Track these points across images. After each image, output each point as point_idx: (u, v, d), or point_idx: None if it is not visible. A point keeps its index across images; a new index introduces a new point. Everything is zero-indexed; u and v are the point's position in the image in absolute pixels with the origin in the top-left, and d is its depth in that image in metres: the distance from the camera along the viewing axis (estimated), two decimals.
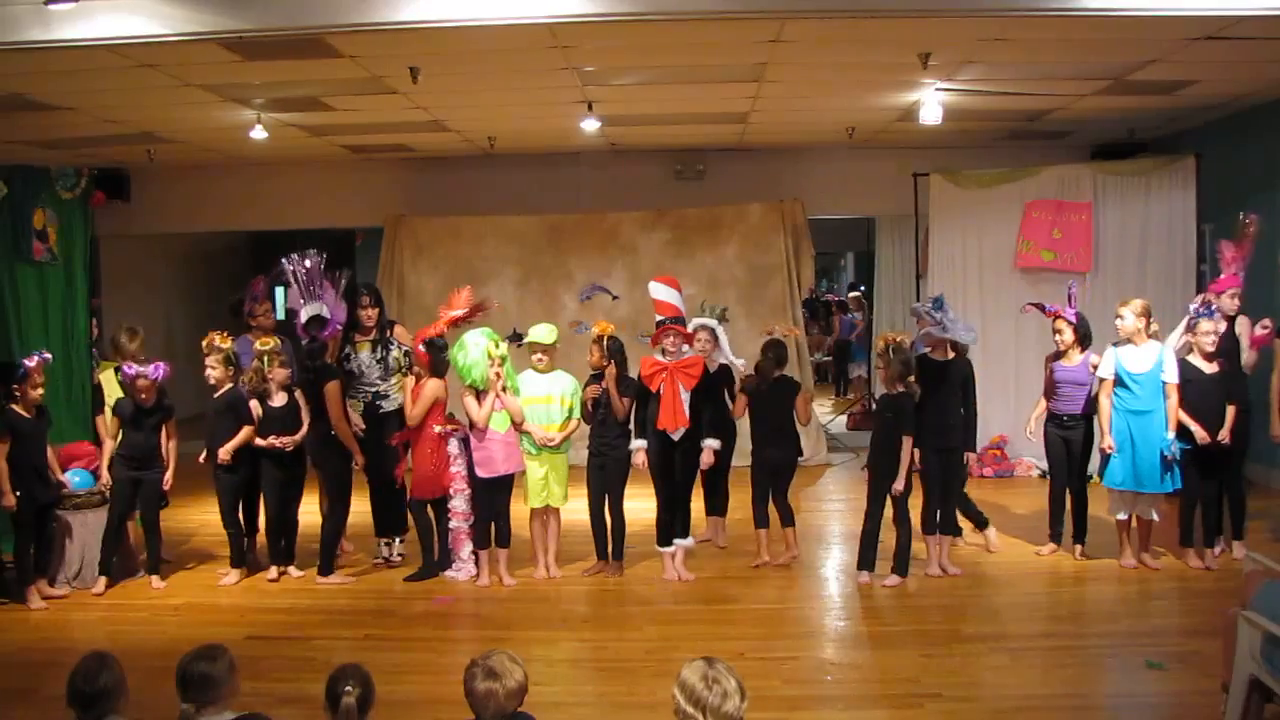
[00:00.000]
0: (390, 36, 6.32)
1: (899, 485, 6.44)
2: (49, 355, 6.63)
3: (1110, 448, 6.69)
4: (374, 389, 7.19)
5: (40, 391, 6.47)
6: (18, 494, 6.31)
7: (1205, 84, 8.28)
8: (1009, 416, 9.93)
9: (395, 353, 7.23)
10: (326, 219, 12.05)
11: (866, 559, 6.64)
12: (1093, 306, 9.82)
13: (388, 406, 7.23)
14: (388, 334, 7.30)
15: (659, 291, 6.81)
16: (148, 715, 4.10)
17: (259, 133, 8.99)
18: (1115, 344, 6.78)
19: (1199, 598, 6.22)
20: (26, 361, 6.42)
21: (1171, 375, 6.55)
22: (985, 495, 9.07)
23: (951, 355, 6.76)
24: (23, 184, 9.84)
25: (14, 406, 6.37)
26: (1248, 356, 7.01)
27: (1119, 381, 6.68)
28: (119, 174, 11.32)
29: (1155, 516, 6.78)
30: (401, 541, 7.28)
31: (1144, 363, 6.62)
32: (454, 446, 6.75)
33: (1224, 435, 6.62)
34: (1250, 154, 9.43)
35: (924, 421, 6.54)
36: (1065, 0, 5.96)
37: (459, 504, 6.81)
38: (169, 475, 6.91)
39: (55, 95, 7.73)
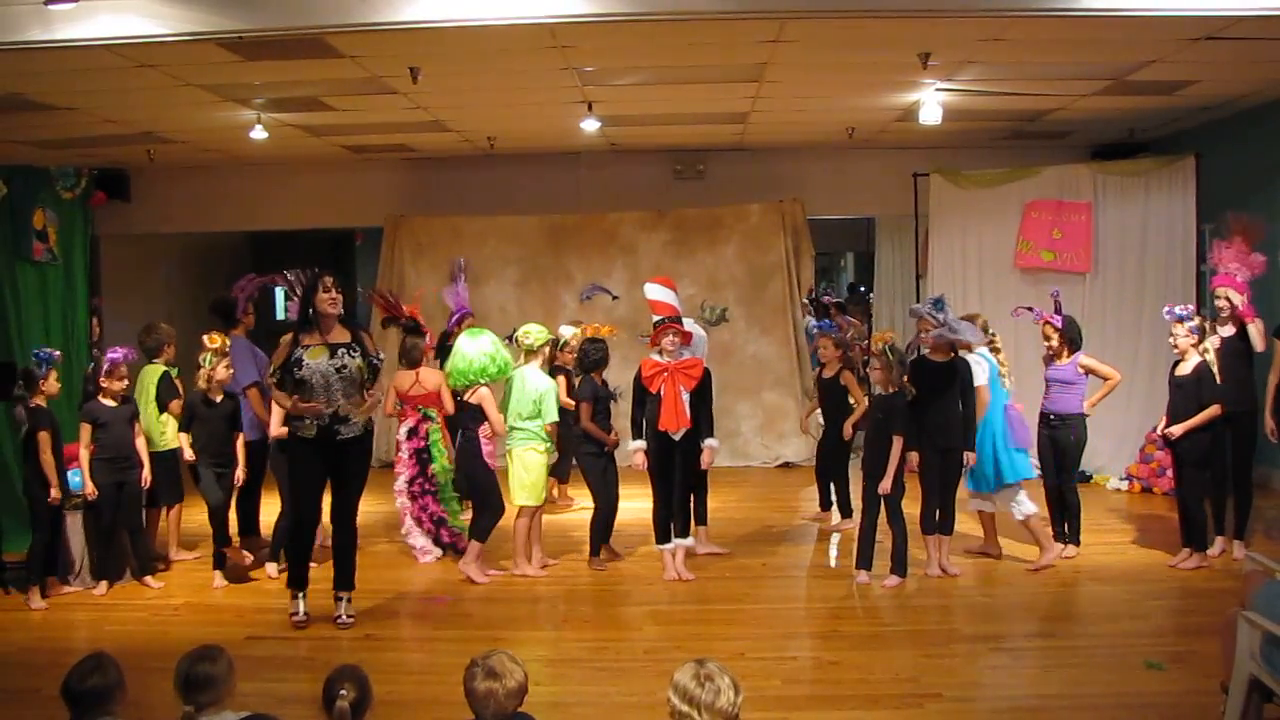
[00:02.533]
0: (390, 36, 6.32)
1: (885, 485, 6.48)
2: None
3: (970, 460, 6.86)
4: (331, 408, 5.73)
5: (58, 387, 6.44)
6: (31, 494, 6.30)
7: (1205, 84, 8.28)
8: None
9: (359, 361, 5.78)
10: (326, 219, 12.04)
11: (864, 558, 6.65)
12: (1091, 307, 9.88)
13: (347, 433, 5.79)
14: (361, 336, 5.93)
15: (655, 292, 6.82)
16: (147, 715, 4.12)
17: (259, 133, 9.00)
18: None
19: (1199, 598, 6.22)
20: (52, 352, 6.38)
21: (980, 378, 6.77)
22: None
23: (950, 356, 6.76)
24: (23, 184, 9.85)
25: (39, 401, 6.35)
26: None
27: None
28: (119, 174, 11.32)
29: (991, 508, 7.05)
30: (349, 602, 6.06)
31: (978, 376, 6.81)
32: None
33: (1173, 431, 6.69)
34: (1250, 154, 9.42)
35: (926, 422, 6.59)
36: (1065, 0, 5.96)
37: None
38: (146, 473, 6.82)
39: (55, 95, 7.73)
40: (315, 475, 5.87)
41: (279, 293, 8.62)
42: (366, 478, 6.08)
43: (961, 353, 6.80)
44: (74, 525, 6.76)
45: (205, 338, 6.94)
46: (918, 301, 11.27)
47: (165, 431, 7.20)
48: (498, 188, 11.62)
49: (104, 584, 6.70)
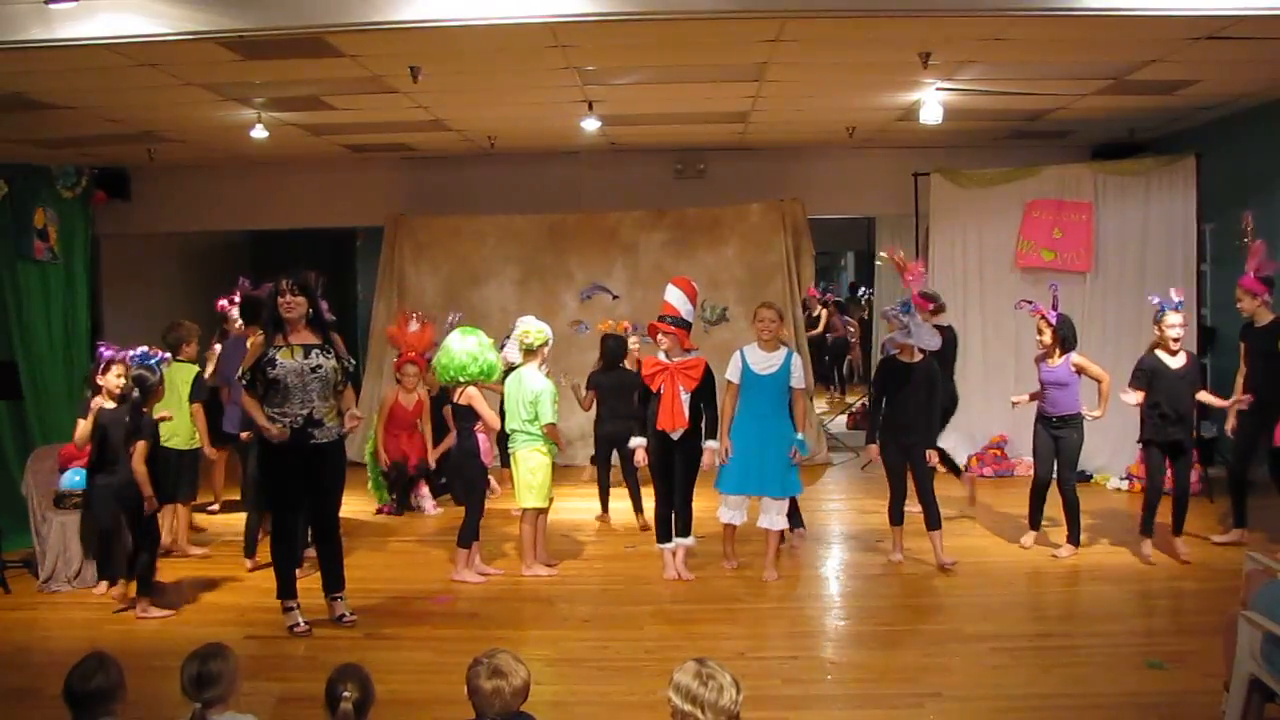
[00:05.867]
0: (391, 36, 6.32)
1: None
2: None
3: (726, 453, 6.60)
4: (305, 410, 5.69)
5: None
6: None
7: (1205, 84, 8.28)
8: (1009, 416, 9.93)
9: (333, 363, 5.76)
10: (327, 218, 12.05)
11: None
12: (1092, 306, 9.89)
13: (321, 437, 5.74)
14: (332, 338, 5.88)
15: (667, 291, 6.82)
16: (147, 715, 4.12)
17: (259, 132, 8.99)
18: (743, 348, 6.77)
19: (1199, 597, 6.23)
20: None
21: (799, 381, 6.63)
22: (985, 495, 9.08)
23: (918, 357, 6.87)
24: (23, 183, 9.86)
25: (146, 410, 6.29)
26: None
27: (746, 384, 6.63)
28: (120, 173, 11.33)
29: (781, 525, 6.79)
30: (345, 600, 6.08)
31: (772, 365, 6.58)
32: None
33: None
34: (1250, 154, 9.42)
35: (889, 419, 6.91)
36: (1065, 0, 5.96)
37: None
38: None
39: (55, 95, 7.73)
40: (291, 481, 5.78)
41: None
42: (344, 484, 6.06)
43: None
44: (71, 526, 6.75)
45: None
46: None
47: (194, 431, 7.34)
48: (498, 187, 11.63)
49: (104, 584, 6.69)
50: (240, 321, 7.95)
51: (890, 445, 6.89)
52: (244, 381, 5.71)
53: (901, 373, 6.85)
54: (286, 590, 5.87)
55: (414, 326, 8.83)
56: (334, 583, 6.01)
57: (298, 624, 5.82)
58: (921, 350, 6.86)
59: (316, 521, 6.00)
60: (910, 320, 6.80)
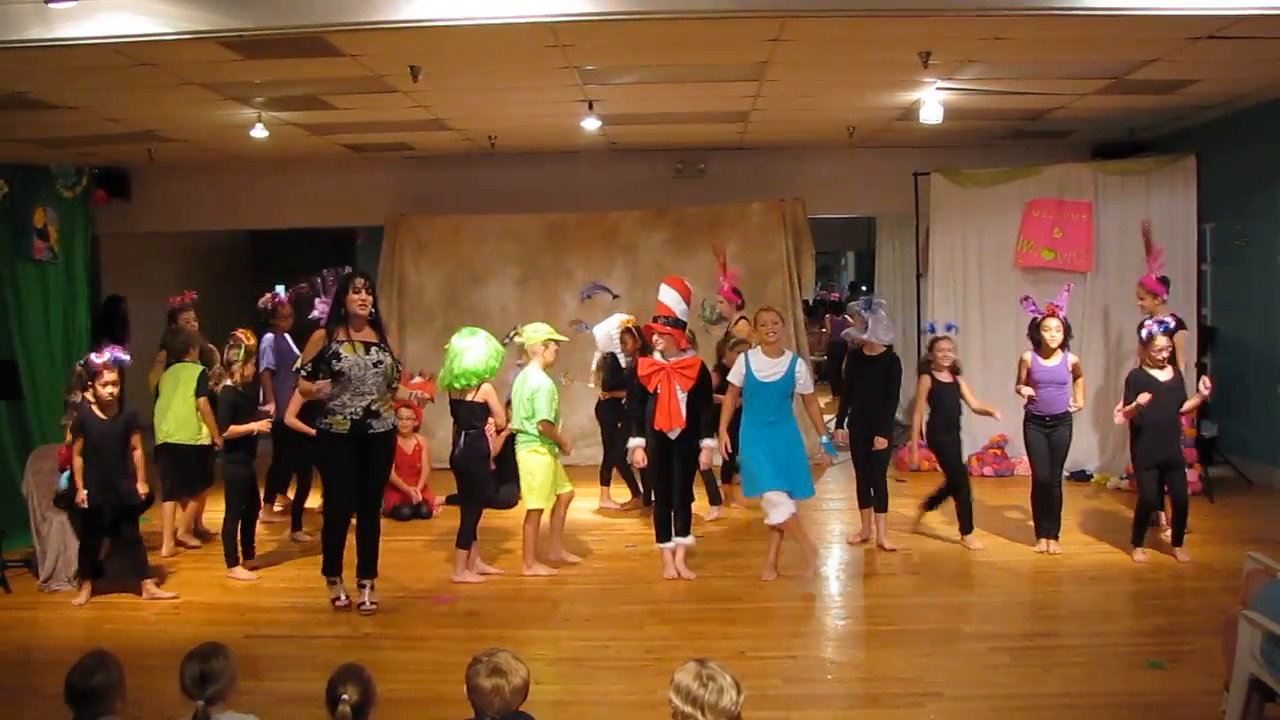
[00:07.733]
0: (391, 35, 6.32)
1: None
2: (122, 357, 6.47)
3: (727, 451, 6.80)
4: (364, 402, 6.00)
5: (110, 390, 6.37)
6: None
7: (1205, 84, 8.28)
8: (1009, 416, 9.93)
9: (390, 360, 6.11)
10: (327, 218, 12.04)
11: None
12: (1092, 306, 9.88)
13: (379, 427, 6.06)
14: (386, 338, 6.25)
15: (661, 292, 6.82)
16: (148, 715, 4.12)
17: (260, 131, 8.99)
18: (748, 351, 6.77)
19: (1199, 597, 6.23)
20: (94, 358, 6.38)
21: (807, 387, 6.63)
22: (985, 495, 9.09)
23: (881, 350, 7.26)
24: (24, 183, 9.86)
25: (92, 406, 6.37)
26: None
27: (749, 390, 6.60)
28: (120, 173, 11.33)
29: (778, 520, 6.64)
30: (373, 589, 6.29)
31: (776, 372, 6.56)
32: None
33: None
34: (1250, 154, 9.42)
35: (856, 408, 7.33)
36: (1065, 0, 5.96)
37: None
38: (142, 486, 6.65)
39: (55, 94, 7.72)
40: (347, 470, 6.09)
41: (279, 290, 8.55)
42: (391, 470, 6.62)
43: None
44: (65, 528, 6.75)
45: (241, 333, 7.18)
46: (919, 300, 11.33)
47: (202, 426, 7.40)
48: (498, 186, 11.62)
49: (86, 587, 6.51)
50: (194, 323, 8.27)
51: (857, 432, 7.29)
52: (304, 373, 6.03)
53: (865, 364, 7.29)
54: (333, 568, 6.24)
55: None
56: (367, 568, 6.25)
57: (339, 597, 6.22)
58: (885, 344, 7.26)
59: (360, 504, 6.23)
60: (870, 315, 7.19)
